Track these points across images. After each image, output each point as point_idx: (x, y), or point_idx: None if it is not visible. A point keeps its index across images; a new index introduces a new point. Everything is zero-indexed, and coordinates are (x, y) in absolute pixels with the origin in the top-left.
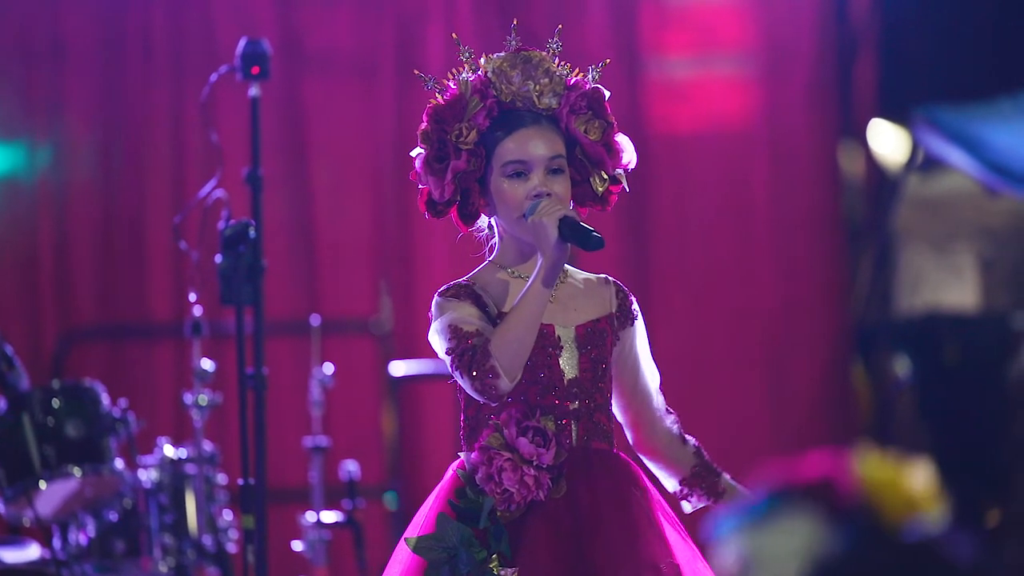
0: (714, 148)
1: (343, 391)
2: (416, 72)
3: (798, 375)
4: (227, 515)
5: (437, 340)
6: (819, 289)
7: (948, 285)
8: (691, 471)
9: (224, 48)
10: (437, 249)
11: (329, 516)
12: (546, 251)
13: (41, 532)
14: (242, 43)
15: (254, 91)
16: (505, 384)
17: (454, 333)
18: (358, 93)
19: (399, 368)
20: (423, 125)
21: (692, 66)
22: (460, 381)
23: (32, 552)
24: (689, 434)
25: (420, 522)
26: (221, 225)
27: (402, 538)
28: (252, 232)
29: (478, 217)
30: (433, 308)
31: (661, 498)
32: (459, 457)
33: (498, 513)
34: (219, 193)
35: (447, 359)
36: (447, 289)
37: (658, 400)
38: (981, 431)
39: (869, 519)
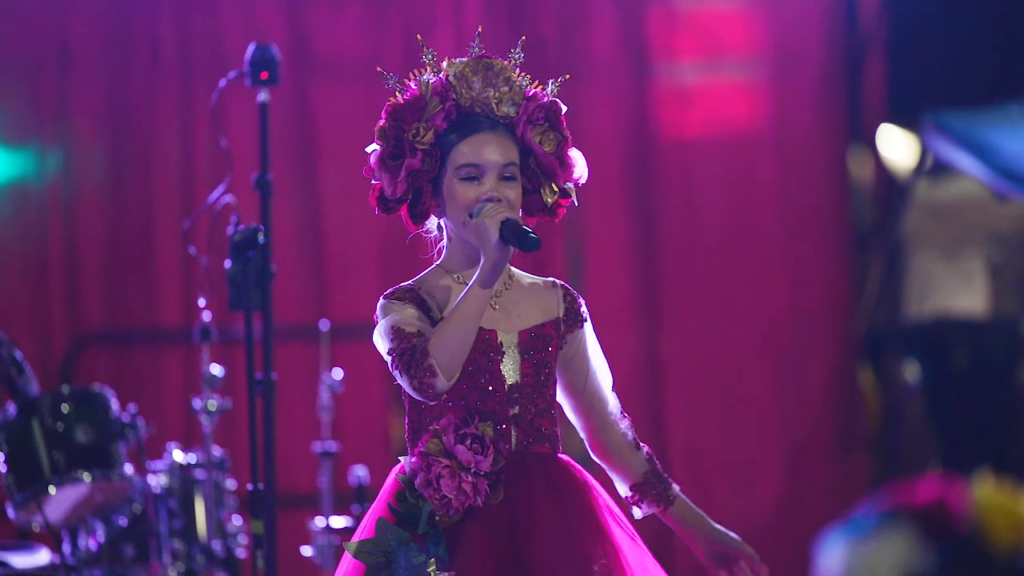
0: (722, 153)
1: (352, 396)
2: (379, 69)
3: (806, 380)
4: (236, 520)
5: (380, 341)
6: (827, 294)
7: (957, 291)
8: (642, 477)
9: (233, 53)
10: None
11: (338, 521)
12: (487, 252)
13: (51, 537)
14: (251, 48)
15: (263, 96)
16: (442, 383)
17: (396, 334)
18: (367, 98)
19: None
20: (381, 122)
21: (700, 71)
22: (399, 380)
23: (42, 557)
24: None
25: (363, 526)
26: (230, 230)
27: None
28: (261, 237)
29: (427, 217)
30: (378, 310)
31: (609, 501)
32: (399, 461)
33: (437, 518)
34: (228, 198)
35: (388, 359)
36: (392, 292)
37: (612, 403)
38: (991, 436)
39: (980, 543)
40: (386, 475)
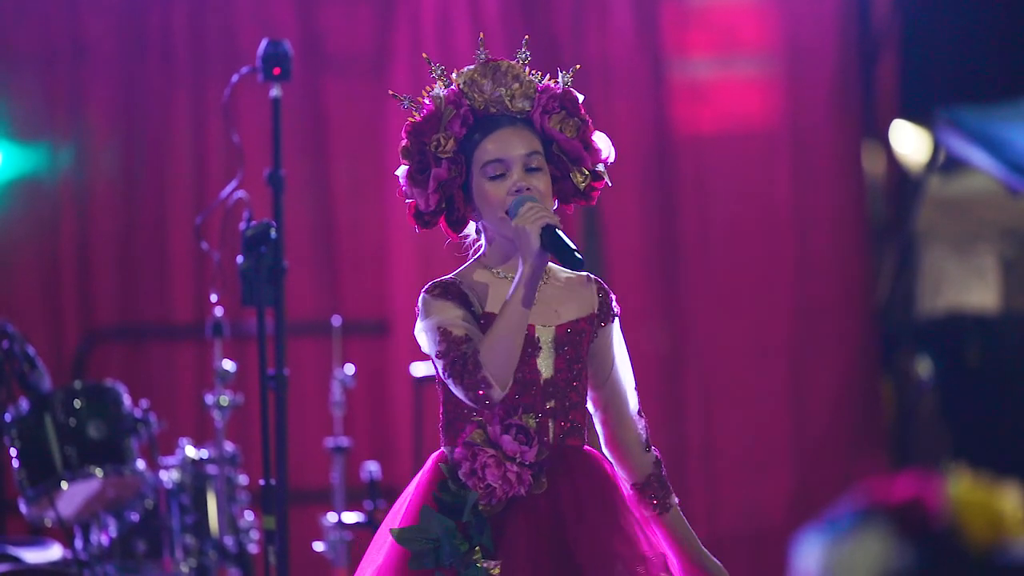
0: (736, 149)
1: (364, 392)
2: (391, 92)
3: (821, 376)
4: (248, 516)
5: (425, 339)
6: (841, 289)
7: (970, 286)
8: (646, 479)
9: (245, 49)
10: (455, 249)
11: (350, 517)
12: (527, 258)
13: (63, 533)
14: (263, 44)
15: (275, 92)
16: (498, 393)
17: (444, 336)
18: (379, 94)
19: (420, 369)
20: (403, 142)
21: (714, 67)
22: (453, 389)
23: (54, 553)
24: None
25: (401, 513)
26: (242, 226)
27: (379, 528)
28: (273, 233)
29: (466, 223)
30: (420, 305)
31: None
32: (439, 449)
33: (480, 507)
34: (240, 194)
35: (438, 363)
36: (434, 287)
37: (631, 401)
38: (1004, 431)
39: (956, 540)
40: (397, 470)
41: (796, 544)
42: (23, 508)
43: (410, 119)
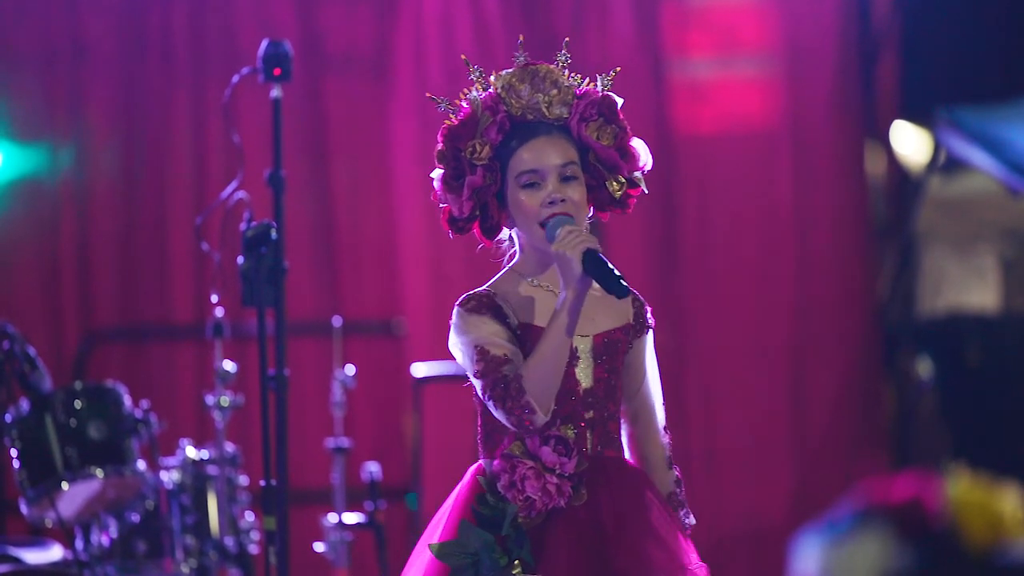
0: (737, 149)
1: (365, 392)
2: (428, 95)
3: (822, 376)
4: (249, 516)
5: (461, 356)
6: (842, 289)
7: (970, 286)
8: (666, 497)
9: (246, 50)
10: (457, 249)
11: (351, 517)
12: (570, 283)
13: (63, 533)
14: (264, 44)
15: (276, 92)
16: (541, 419)
17: (482, 355)
18: (379, 94)
19: (421, 369)
20: (439, 146)
21: (715, 67)
22: (493, 411)
23: (55, 553)
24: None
25: (440, 526)
26: (243, 226)
27: (419, 540)
28: (274, 233)
29: (500, 230)
30: (455, 318)
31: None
32: (477, 462)
33: (520, 520)
34: (241, 194)
35: (477, 382)
36: (468, 300)
37: (659, 416)
38: (1004, 431)
39: (955, 541)
40: (397, 471)
41: (796, 545)
42: (23, 508)
43: (446, 122)
